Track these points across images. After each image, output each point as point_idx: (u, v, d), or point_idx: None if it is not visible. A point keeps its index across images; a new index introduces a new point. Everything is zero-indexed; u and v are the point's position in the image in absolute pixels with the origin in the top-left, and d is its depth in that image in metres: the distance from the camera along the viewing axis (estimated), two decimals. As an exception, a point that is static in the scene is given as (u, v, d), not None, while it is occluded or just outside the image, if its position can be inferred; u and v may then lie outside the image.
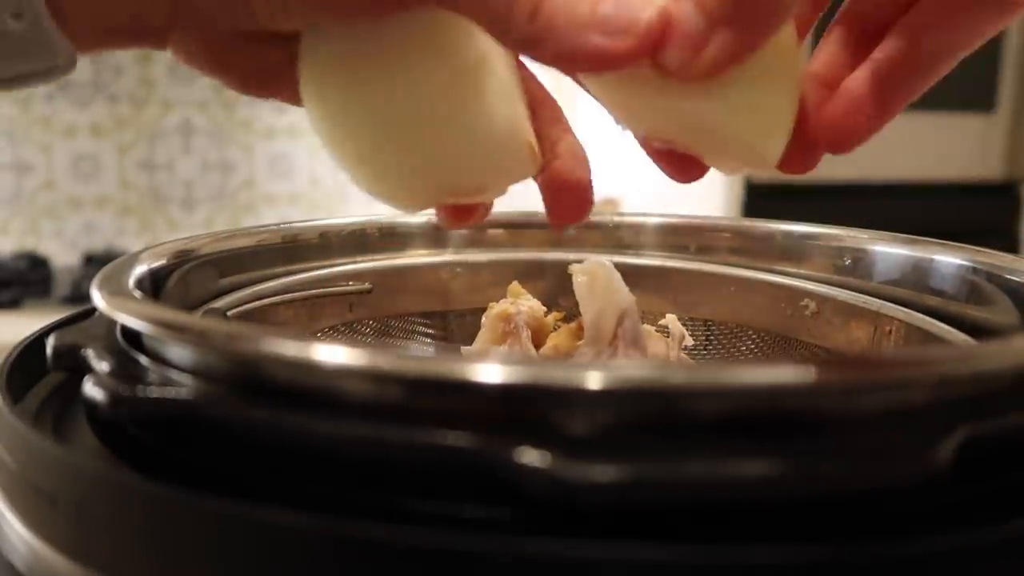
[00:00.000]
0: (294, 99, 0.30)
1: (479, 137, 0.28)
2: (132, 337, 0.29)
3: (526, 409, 0.21)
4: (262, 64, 0.30)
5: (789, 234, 0.46)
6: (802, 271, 0.45)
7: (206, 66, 0.30)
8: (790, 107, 0.28)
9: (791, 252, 0.45)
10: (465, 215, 0.32)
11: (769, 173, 0.29)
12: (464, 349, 0.44)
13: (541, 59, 0.26)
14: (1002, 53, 1.49)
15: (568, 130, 0.31)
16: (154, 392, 0.24)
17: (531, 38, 0.26)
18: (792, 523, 0.20)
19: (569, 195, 0.31)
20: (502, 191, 0.30)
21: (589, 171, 0.31)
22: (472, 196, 0.31)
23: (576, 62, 0.26)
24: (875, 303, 0.40)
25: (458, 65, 0.28)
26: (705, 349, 0.47)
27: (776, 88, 0.27)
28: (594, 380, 0.20)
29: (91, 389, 0.25)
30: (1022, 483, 0.23)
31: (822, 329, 0.42)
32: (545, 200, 0.31)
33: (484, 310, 0.44)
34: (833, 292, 0.42)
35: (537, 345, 0.43)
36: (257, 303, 0.41)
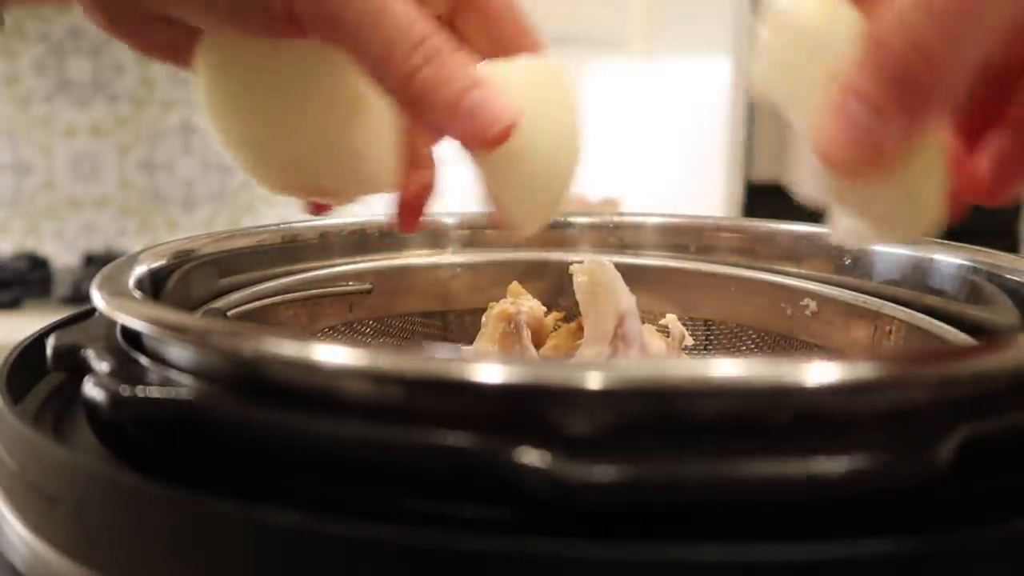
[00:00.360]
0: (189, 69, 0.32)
1: (346, 161, 0.32)
2: (132, 337, 0.29)
3: (526, 409, 0.21)
4: (159, 38, 0.31)
5: (789, 234, 0.46)
6: (802, 271, 0.45)
7: (108, 30, 0.32)
8: (939, 189, 0.26)
9: (791, 252, 0.45)
10: (322, 209, 0.36)
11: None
12: (464, 349, 0.44)
13: (411, 117, 0.30)
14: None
15: (431, 164, 0.35)
16: (154, 392, 0.24)
17: (405, 100, 0.29)
18: (792, 523, 0.20)
19: (405, 214, 0.35)
20: (349, 198, 0.34)
21: (427, 201, 0.35)
22: (330, 200, 0.34)
23: (444, 133, 0.29)
24: (875, 303, 0.40)
25: (335, 97, 0.31)
26: (705, 349, 0.47)
27: (927, 173, 0.26)
28: (594, 380, 0.20)
29: (91, 389, 0.25)
30: (1022, 483, 0.23)
31: (822, 329, 0.42)
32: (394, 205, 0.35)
33: (484, 310, 0.44)
34: (833, 292, 0.42)
35: (537, 345, 0.43)
36: (257, 303, 0.41)
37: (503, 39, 0.34)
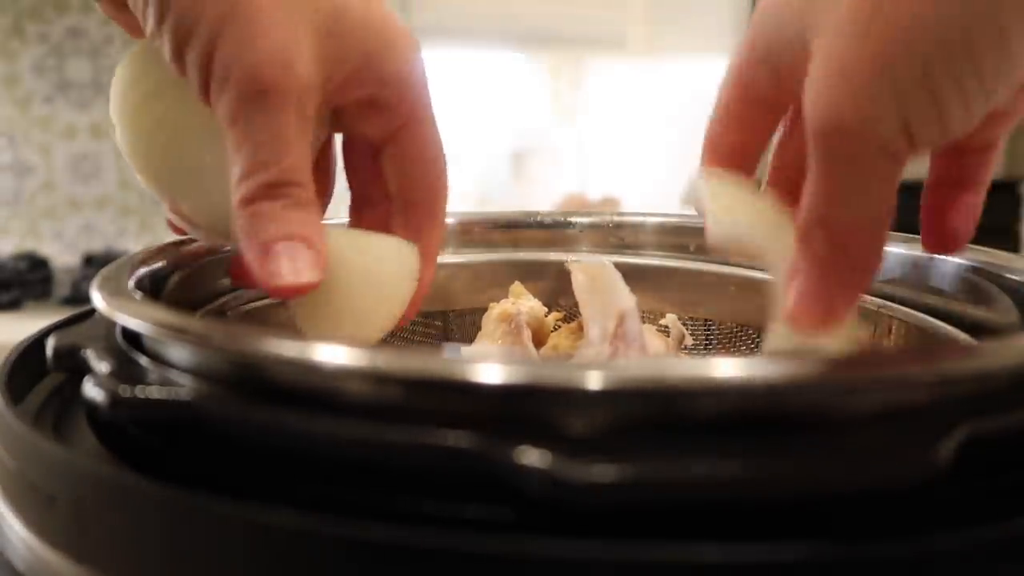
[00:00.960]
0: (128, 31, 0.35)
1: (207, 203, 0.34)
2: (132, 338, 0.29)
3: (526, 409, 0.21)
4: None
5: (789, 234, 0.46)
6: (802, 271, 0.45)
7: (105, 11, 0.35)
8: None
9: (791, 252, 0.45)
10: (176, 229, 0.37)
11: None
12: (464, 349, 0.44)
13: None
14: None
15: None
16: (154, 393, 0.24)
17: (236, 214, 0.31)
18: (792, 523, 0.20)
19: (239, 266, 0.35)
20: (200, 235, 0.36)
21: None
22: (185, 226, 0.36)
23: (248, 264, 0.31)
24: (875, 302, 0.40)
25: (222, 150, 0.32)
26: (705, 349, 0.47)
27: None
28: (594, 380, 0.20)
29: (91, 390, 0.25)
30: (1022, 482, 0.23)
31: (822, 329, 0.42)
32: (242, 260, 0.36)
33: (484, 310, 0.44)
34: (833, 292, 0.42)
35: (537, 345, 0.43)
36: (257, 303, 0.41)
37: (408, 190, 0.36)
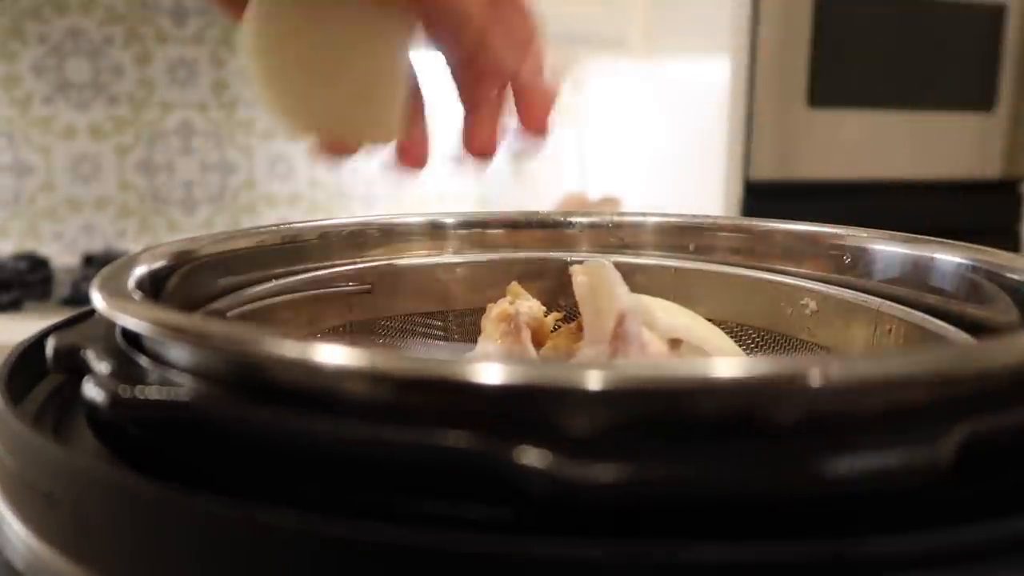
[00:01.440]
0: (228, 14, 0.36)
1: (367, 112, 0.37)
2: (132, 338, 0.29)
3: (526, 409, 0.21)
4: None
5: (789, 233, 0.46)
6: (802, 270, 0.45)
7: None
8: None
9: (791, 251, 0.45)
10: (335, 151, 0.38)
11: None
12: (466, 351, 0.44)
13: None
14: (1001, 52, 1.49)
15: (424, 125, 0.40)
16: (154, 393, 0.24)
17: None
18: (792, 522, 0.20)
19: (405, 155, 0.39)
20: (364, 147, 0.38)
21: (426, 150, 0.40)
22: (341, 139, 0.37)
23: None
24: (875, 302, 0.40)
25: (372, 58, 0.35)
26: (705, 349, 0.47)
27: None
28: (594, 380, 0.20)
29: (91, 390, 0.25)
30: (1023, 482, 0.23)
31: (822, 328, 0.42)
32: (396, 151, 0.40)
33: (484, 310, 0.44)
34: (833, 291, 0.42)
35: (537, 345, 0.43)
36: (257, 303, 0.41)
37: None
